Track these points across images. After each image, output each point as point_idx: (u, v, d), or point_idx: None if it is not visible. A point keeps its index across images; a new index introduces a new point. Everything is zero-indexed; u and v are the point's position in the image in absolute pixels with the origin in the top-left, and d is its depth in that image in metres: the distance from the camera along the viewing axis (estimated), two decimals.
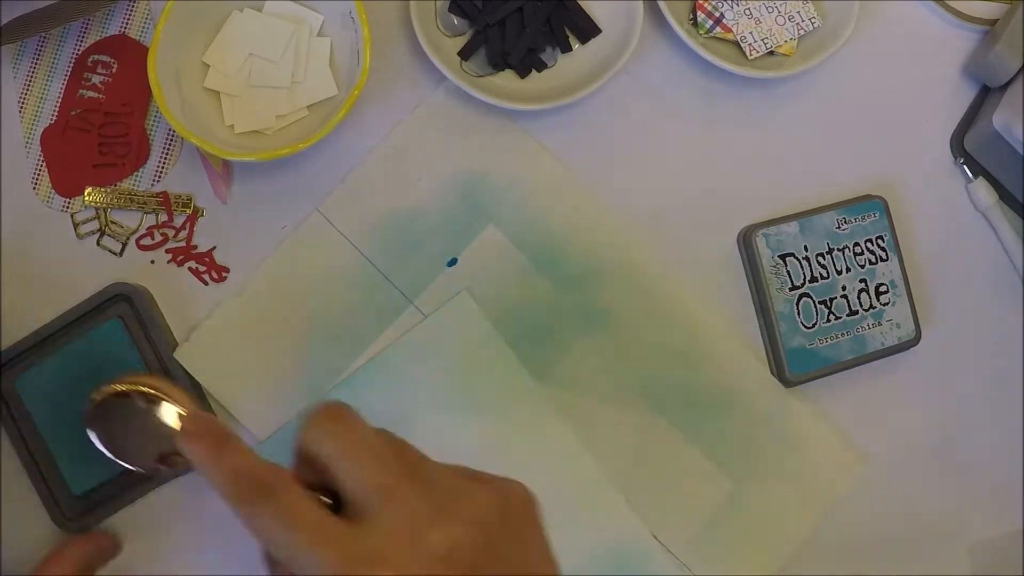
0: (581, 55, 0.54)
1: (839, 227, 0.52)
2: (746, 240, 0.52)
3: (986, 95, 0.56)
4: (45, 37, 0.54)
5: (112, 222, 0.52)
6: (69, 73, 0.53)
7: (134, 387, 0.40)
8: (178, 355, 0.50)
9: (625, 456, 0.51)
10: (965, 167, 0.56)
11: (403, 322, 0.51)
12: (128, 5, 0.54)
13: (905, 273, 0.53)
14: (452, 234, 0.53)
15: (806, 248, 0.52)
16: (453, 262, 0.52)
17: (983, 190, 0.55)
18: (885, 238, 0.53)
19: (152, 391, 0.39)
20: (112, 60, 0.53)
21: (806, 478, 0.52)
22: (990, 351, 0.55)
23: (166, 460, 0.39)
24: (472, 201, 0.53)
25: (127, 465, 0.40)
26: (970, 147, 0.56)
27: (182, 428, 0.38)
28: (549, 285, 0.52)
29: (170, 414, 0.39)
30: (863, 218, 0.53)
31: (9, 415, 0.49)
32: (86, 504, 0.49)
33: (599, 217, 0.53)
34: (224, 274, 0.52)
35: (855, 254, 0.53)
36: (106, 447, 0.40)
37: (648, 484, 0.51)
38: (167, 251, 0.52)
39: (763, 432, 0.52)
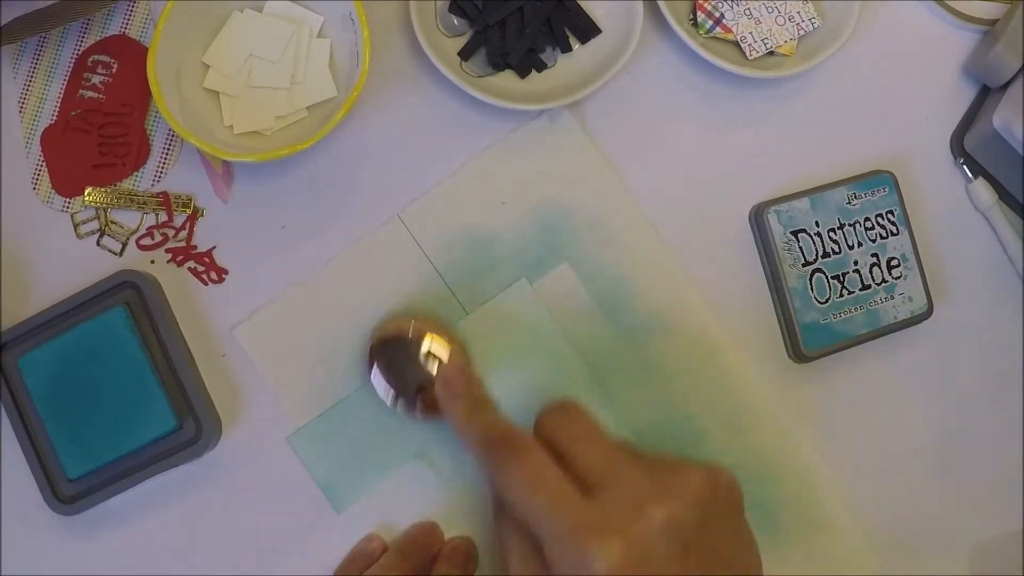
0: (581, 55, 0.54)
1: (849, 202, 0.53)
2: (758, 217, 0.53)
3: (986, 95, 0.56)
4: (45, 37, 0.54)
5: (112, 222, 0.52)
6: (69, 73, 0.53)
7: (406, 330, 0.46)
8: (237, 333, 0.51)
9: None
10: (965, 167, 0.56)
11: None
12: (128, 5, 0.54)
13: (916, 247, 0.53)
14: (525, 263, 0.52)
15: (817, 224, 0.52)
16: None
17: (983, 190, 0.55)
18: (895, 212, 0.53)
19: (422, 333, 0.46)
20: (112, 60, 0.53)
21: (827, 564, 0.51)
22: (990, 351, 0.55)
23: (419, 397, 0.45)
24: (552, 235, 0.52)
25: (397, 407, 0.45)
26: (970, 147, 0.56)
27: (442, 382, 0.45)
28: (612, 332, 0.52)
29: (432, 357, 0.45)
30: (873, 193, 0.53)
31: (10, 393, 0.49)
32: (81, 488, 0.49)
33: (672, 274, 0.53)
34: (224, 275, 0.52)
35: (866, 229, 0.53)
36: (384, 381, 0.45)
37: None
38: (167, 251, 0.52)
39: (791, 512, 0.52)
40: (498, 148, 0.53)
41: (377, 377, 0.47)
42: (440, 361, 0.45)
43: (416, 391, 0.46)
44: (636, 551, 0.36)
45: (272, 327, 0.51)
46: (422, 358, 0.46)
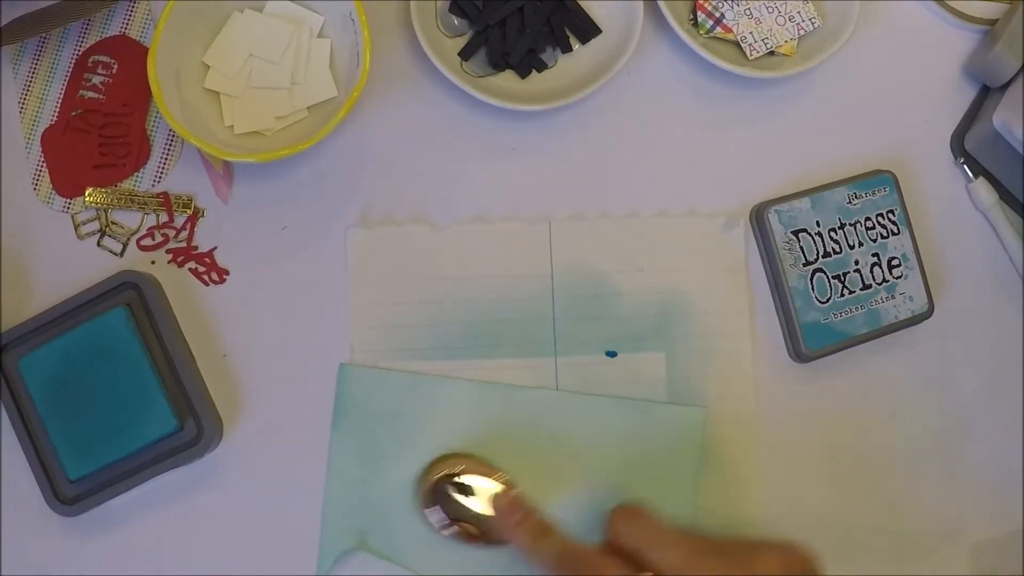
0: (581, 55, 0.54)
1: (850, 202, 0.53)
2: (759, 217, 0.53)
3: (986, 95, 0.56)
4: (45, 37, 0.54)
5: (113, 222, 0.52)
6: (69, 74, 0.53)
7: (455, 469, 0.49)
8: (350, 234, 0.52)
9: None
10: (965, 167, 0.56)
11: (535, 363, 0.51)
12: (128, 5, 0.54)
13: (916, 246, 0.53)
14: (629, 333, 0.52)
15: (818, 224, 0.52)
16: (612, 354, 0.52)
17: (983, 190, 0.55)
18: (896, 212, 0.53)
19: (470, 471, 0.48)
20: (112, 60, 0.53)
21: None
22: (990, 351, 0.55)
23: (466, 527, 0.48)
24: (665, 322, 0.52)
25: (447, 534, 0.48)
26: (970, 147, 0.56)
27: (501, 513, 0.47)
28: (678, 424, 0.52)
29: (480, 492, 0.48)
30: (873, 192, 0.53)
31: (10, 394, 0.49)
32: (82, 488, 0.49)
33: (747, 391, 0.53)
34: (225, 275, 0.52)
35: (867, 228, 0.53)
36: (438, 514, 0.48)
37: None
38: (168, 251, 0.52)
39: None
40: (665, 224, 0.53)
41: (432, 513, 0.48)
42: (491, 496, 0.48)
43: (468, 521, 0.48)
44: None
45: (384, 247, 0.52)
46: (473, 493, 0.48)
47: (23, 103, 0.53)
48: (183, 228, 0.52)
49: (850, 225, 0.53)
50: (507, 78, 0.54)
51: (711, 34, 0.54)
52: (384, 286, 0.52)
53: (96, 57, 0.53)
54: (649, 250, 0.53)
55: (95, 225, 0.52)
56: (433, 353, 0.51)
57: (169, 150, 0.53)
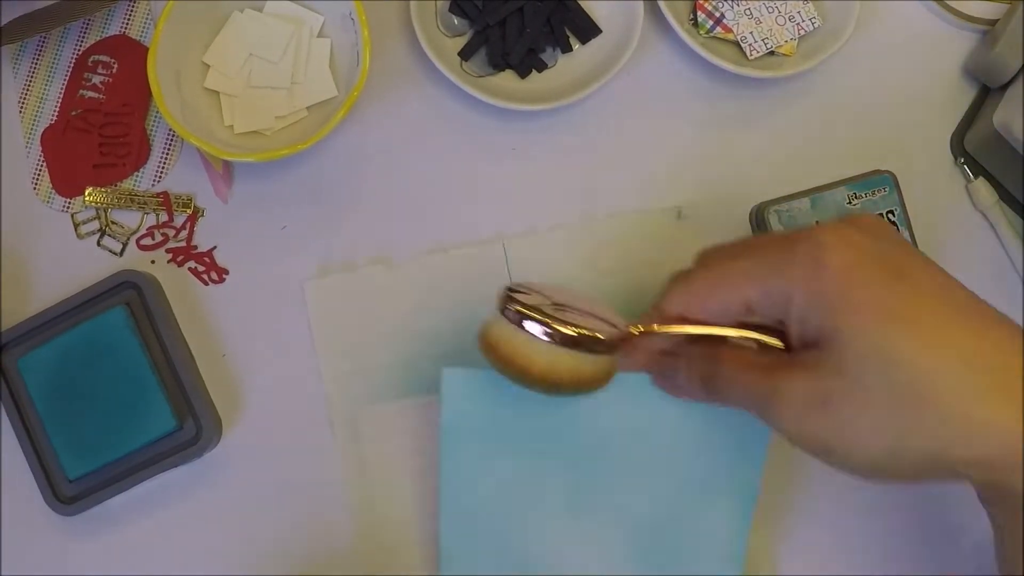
0: (581, 55, 0.54)
1: (850, 202, 0.53)
2: (759, 217, 0.53)
3: (986, 95, 0.56)
4: (45, 37, 0.54)
5: (112, 222, 0.52)
6: (69, 73, 0.53)
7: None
8: (307, 287, 0.51)
9: None
10: (965, 167, 0.56)
11: None
12: (128, 5, 0.54)
13: (916, 246, 0.53)
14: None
15: (818, 224, 0.52)
16: None
17: (983, 190, 0.55)
18: (896, 212, 0.53)
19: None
20: (112, 60, 0.53)
21: None
22: None
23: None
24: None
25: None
26: (970, 147, 0.56)
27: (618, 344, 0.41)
28: None
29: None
30: (873, 193, 0.53)
31: (10, 393, 0.49)
32: (81, 488, 0.49)
33: None
34: (224, 275, 0.52)
35: None
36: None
37: None
38: (167, 251, 0.52)
39: None
40: (618, 220, 0.53)
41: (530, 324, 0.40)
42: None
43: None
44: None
45: (341, 295, 0.51)
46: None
47: (23, 103, 0.53)
48: (183, 228, 0.52)
49: None
50: (507, 78, 0.54)
51: (711, 34, 0.54)
52: (349, 337, 0.51)
53: (96, 57, 0.53)
54: (607, 250, 0.52)
55: (95, 225, 0.52)
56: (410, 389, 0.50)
57: (169, 150, 0.53)
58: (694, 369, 0.42)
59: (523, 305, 0.40)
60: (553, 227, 0.53)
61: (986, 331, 0.35)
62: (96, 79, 0.53)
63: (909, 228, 0.53)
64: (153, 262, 0.52)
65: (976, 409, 0.33)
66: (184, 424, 0.49)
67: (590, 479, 0.47)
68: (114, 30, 0.54)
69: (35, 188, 0.53)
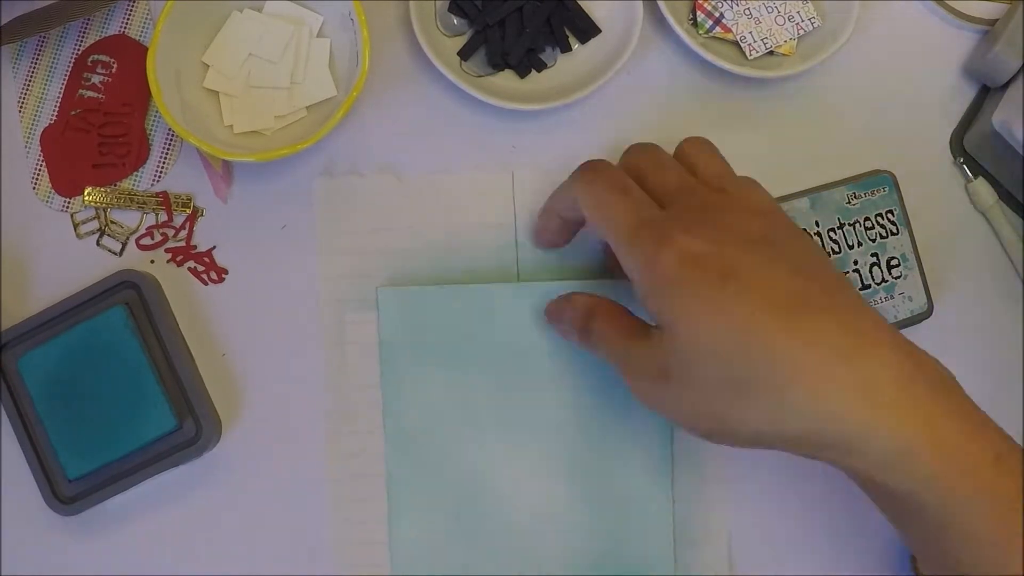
0: (581, 55, 0.54)
1: (849, 202, 0.53)
2: None
3: (986, 95, 0.56)
4: (45, 37, 0.54)
5: (112, 222, 0.52)
6: (69, 73, 0.53)
7: None
8: (316, 184, 0.52)
9: None
10: (965, 167, 0.56)
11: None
12: (128, 5, 0.54)
13: (916, 247, 0.53)
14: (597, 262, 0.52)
15: (817, 224, 0.52)
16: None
17: (983, 190, 0.55)
18: (895, 212, 0.53)
19: None
20: (112, 60, 0.53)
21: None
22: (990, 351, 0.55)
23: None
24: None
25: None
26: (970, 147, 0.56)
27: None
28: None
29: None
30: (873, 192, 0.53)
31: (10, 393, 0.49)
32: (81, 488, 0.49)
33: None
34: (224, 275, 0.52)
35: (866, 228, 0.53)
36: None
37: None
38: (167, 251, 0.52)
39: None
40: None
41: None
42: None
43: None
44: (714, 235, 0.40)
45: (348, 195, 0.52)
46: None
47: (22, 102, 0.53)
48: (182, 227, 0.52)
49: (849, 225, 0.53)
50: (506, 78, 0.54)
51: (710, 34, 0.54)
52: (349, 239, 0.52)
53: (95, 56, 0.53)
54: None
55: (94, 224, 0.52)
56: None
57: (168, 149, 0.53)
58: (576, 318, 0.45)
59: None
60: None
61: (799, 322, 0.38)
62: (95, 79, 0.53)
63: (908, 228, 0.53)
64: (153, 262, 0.52)
65: (787, 395, 0.37)
66: (184, 424, 0.49)
67: (520, 392, 0.50)
68: (113, 30, 0.54)
69: (34, 188, 0.53)
